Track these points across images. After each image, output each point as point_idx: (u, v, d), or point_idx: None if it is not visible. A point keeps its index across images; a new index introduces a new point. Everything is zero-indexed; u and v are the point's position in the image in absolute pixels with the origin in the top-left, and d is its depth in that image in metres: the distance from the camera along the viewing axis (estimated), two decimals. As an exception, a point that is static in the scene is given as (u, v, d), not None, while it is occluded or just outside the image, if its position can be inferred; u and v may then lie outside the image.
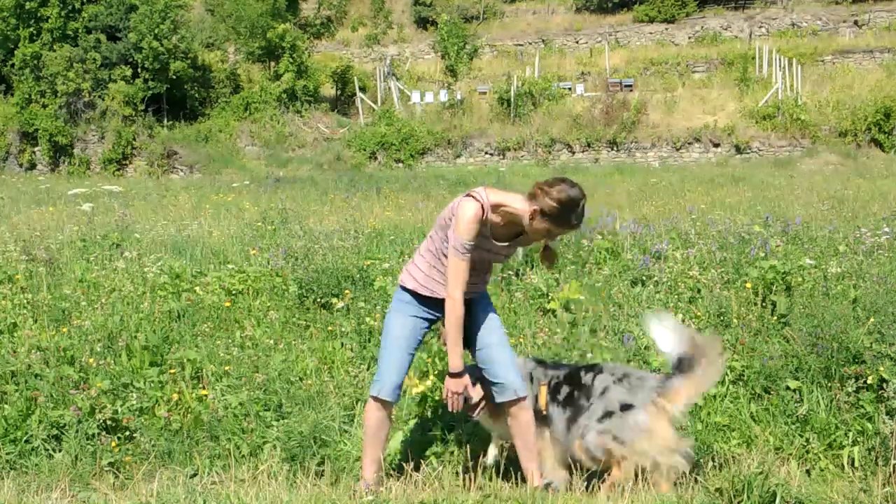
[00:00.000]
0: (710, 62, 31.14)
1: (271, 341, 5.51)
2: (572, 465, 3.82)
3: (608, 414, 3.74)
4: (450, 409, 3.83)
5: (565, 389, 3.88)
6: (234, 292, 6.65)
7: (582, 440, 3.78)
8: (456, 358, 3.72)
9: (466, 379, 3.76)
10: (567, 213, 3.59)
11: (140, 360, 5.20)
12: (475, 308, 3.90)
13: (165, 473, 4.11)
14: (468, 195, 3.67)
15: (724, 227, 8.76)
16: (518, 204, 3.65)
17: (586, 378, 3.88)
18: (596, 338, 5.48)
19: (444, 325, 3.83)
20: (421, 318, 3.89)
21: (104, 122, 27.86)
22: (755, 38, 33.29)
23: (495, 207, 3.66)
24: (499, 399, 3.83)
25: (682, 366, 3.75)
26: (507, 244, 3.79)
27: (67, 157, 28.03)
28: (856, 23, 33.83)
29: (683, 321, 5.67)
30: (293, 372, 5.09)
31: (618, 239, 8.22)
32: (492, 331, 3.89)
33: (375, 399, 3.84)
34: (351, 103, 31.57)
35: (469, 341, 3.89)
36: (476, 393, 3.85)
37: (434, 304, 3.87)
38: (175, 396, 4.79)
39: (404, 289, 3.91)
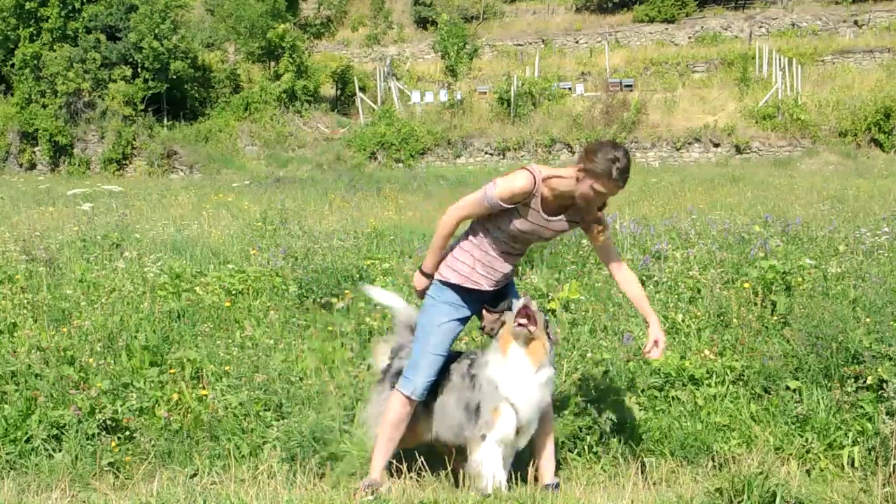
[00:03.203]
0: (710, 62, 31.13)
1: (271, 341, 5.50)
2: None
3: None
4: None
5: None
6: (234, 292, 6.64)
7: None
8: (432, 259, 3.91)
9: (426, 282, 3.95)
10: (608, 168, 3.58)
11: (140, 360, 5.19)
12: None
13: (165, 473, 4.11)
14: (523, 168, 3.75)
15: (723, 227, 8.76)
16: (567, 172, 3.75)
17: None
18: (596, 338, 5.48)
19: (483, 315, 3.92)
20: (459, 319, 3.91)
21: (104, 122, 27.85)
22: (755, 38, 33.29)
23: (546, 179, 3.72)
24: None
25: None
26: (558, 218, 3.80)
27: (67, 157, 28.03)
28: (856, 23, 33.82)
29: (683, 321, 5.67)
30: (293, 372, 5.09)
31: (618, 239, 8.22)
32: None
33: (405, 395, 3.86)
34: (351, 103, 31.56)
35: None
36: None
37: (473, 299, 3.90)
38: (175, 396, 4.78)
39: (446, 284, 3.90)
